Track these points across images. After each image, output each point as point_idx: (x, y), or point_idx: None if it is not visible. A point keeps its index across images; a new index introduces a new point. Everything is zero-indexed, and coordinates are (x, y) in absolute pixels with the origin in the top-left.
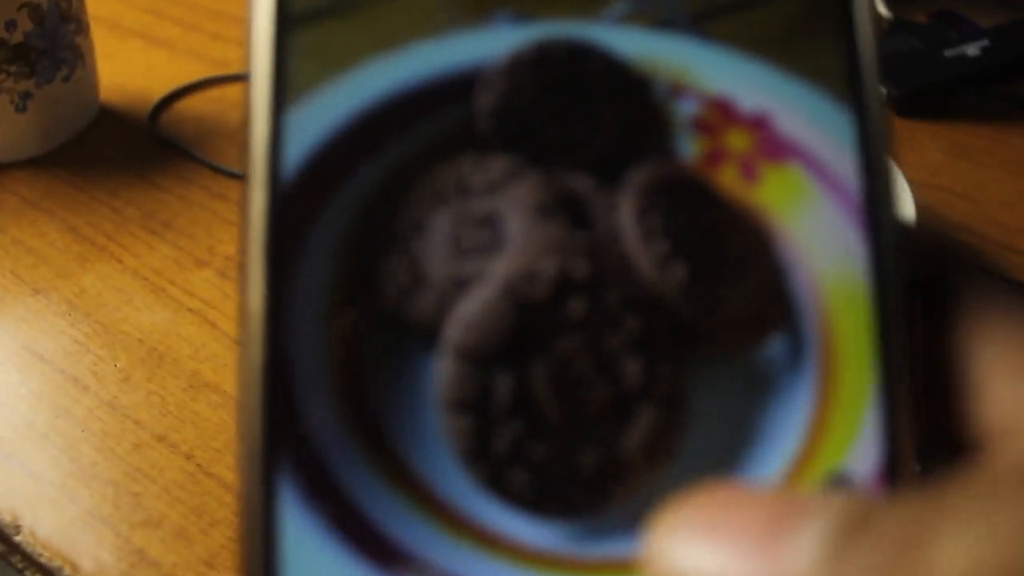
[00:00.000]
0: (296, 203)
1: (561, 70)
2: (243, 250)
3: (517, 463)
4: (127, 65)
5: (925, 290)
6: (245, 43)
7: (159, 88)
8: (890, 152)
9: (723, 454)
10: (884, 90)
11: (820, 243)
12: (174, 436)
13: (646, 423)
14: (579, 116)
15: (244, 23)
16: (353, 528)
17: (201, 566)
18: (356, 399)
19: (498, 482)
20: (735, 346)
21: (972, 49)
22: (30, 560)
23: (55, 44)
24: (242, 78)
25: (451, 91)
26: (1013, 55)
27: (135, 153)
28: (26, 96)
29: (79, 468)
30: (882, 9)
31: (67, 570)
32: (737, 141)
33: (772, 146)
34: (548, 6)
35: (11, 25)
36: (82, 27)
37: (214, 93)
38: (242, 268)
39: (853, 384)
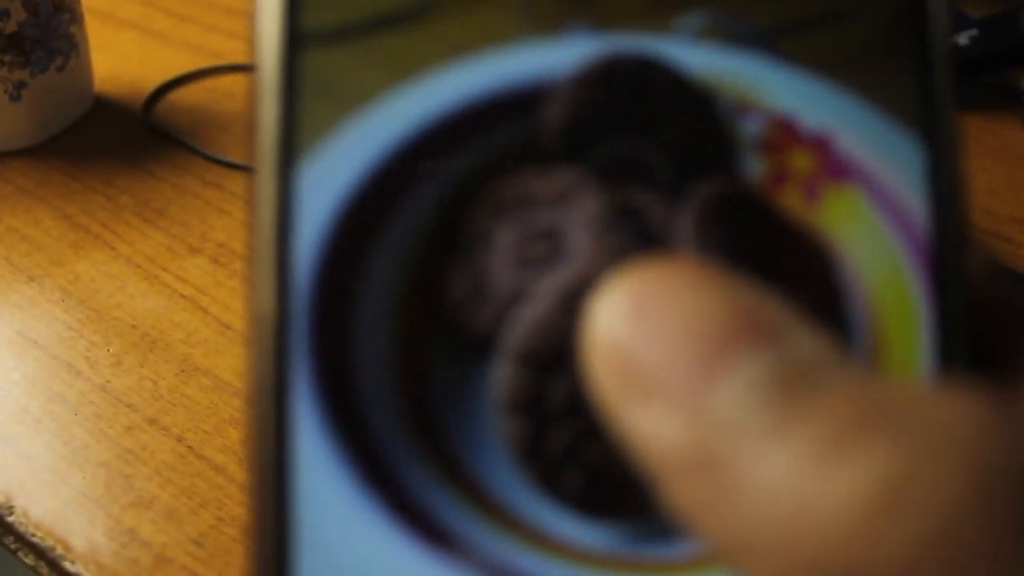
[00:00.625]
0: (354, 214)
1: (628, 85)
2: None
3: (571, 464)
4: (121, 55)
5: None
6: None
7: (153, 78)
8: (963, 178)
9: None
10: (960, 113)
11: (878, 269)
12: (165, 419)
13: None
14: (644, 131)
15: (239, 14)
16: (397, 509)
17: (191, 545)
18: (415, 397)
19: (552, 482)
20: None
21: (963, 39)
22: (23, 540)
23: (49, 34)
24: (238, 68)
25: (519, 103)
26: (1003, 45)
27: (129, 142)
28: (21, 86)
29: (72, 451)
30: None
31: (59, 549)
32: (800, 161)
33: (834, 167)
34: (622, 18)
35: (5, 14)
36: (76, 17)
37: (208, 83)
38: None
39: None
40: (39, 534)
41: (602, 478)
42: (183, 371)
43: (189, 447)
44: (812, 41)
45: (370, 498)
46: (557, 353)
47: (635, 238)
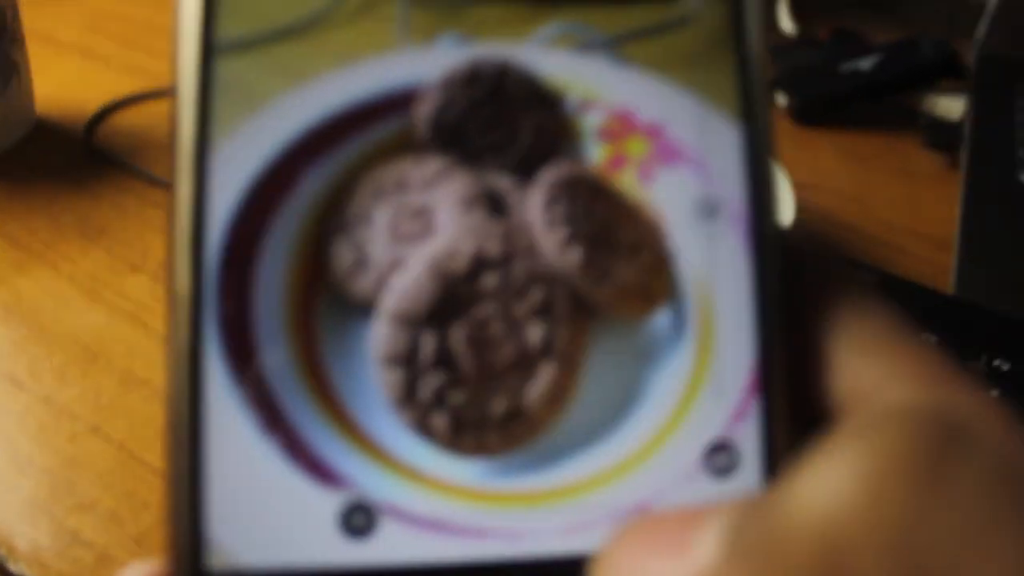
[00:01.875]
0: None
1: (488, 85)
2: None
3: (439, 409)
4: (63, 79)
5: (792, 277)
6: (171, 65)
7: (95, 101)
8: (773, 159)
9: (609, 409)
10: (773, 105)
11: (704, 238)
12: (107, 427)
13: (546, 378)
14: (501, 124)
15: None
16: (294, 451)
17: (132, 545)
18: (308, 354)
19: (423, 425)
20: (624, 316)
21: (865, 63)
22: None
23: None
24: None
25: (396, 102)
26: (902, 69)
27: (71, 164)
28: None
29: (16, 459)
30: (788, 26)
31: (3, 551)
32: (636, 148)
33: (665, 152)
34: (486, 29)
35: None
36: (18, 41)
37: (148, 106)
38: (169, 260)
39: (728, 358)
40: None
41: (466, 421)
42: (124, 382)
43: (130, 453)
44: (648, 46)
45: (270, 442)
46: (426, 313)
47: (492, 215)
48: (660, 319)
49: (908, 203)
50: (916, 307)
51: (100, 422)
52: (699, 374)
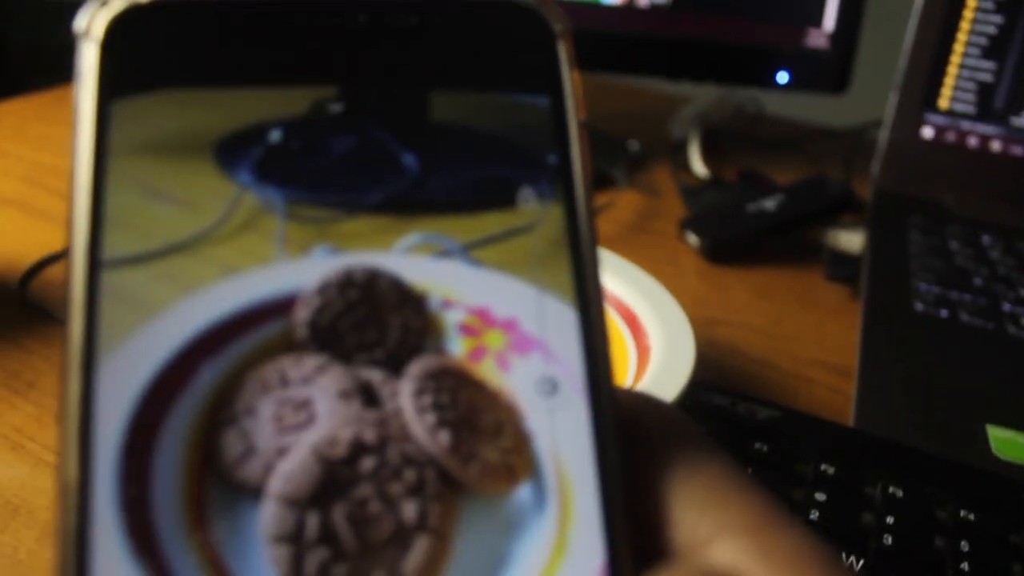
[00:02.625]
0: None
1: (359, 290)
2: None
3: None
4: (3, 233)
5: (631, 440)
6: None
7: (31, 254)
8: (605, 339)
9: None
10: (602, 292)
11: (556, 415)
12: None
13: (421, 550)
14: (372, 324)
15: None
16: None
17: None
18: (202, 537)
19: None
20: (491, 492)
21: (771, 203)
22: None
23: None
24: None
25: (276, 307)
26: (804, 207)
27: (3, 316)
28: None
29: None
30: (700, 169)
31: None
32: (493, 340)
33: (519, 342)
34: (354, 240)
35: None
36: None
37: None
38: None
39: (586, 524)
40: None
41: None
42: (44, 535)
43: None
44: (498, 250)
45: None
46: (310, 495)
47: (366, 405)
48: (523, 493)
49: (813, 334)
50: (817, 440)
51: None
52: (561, 542)
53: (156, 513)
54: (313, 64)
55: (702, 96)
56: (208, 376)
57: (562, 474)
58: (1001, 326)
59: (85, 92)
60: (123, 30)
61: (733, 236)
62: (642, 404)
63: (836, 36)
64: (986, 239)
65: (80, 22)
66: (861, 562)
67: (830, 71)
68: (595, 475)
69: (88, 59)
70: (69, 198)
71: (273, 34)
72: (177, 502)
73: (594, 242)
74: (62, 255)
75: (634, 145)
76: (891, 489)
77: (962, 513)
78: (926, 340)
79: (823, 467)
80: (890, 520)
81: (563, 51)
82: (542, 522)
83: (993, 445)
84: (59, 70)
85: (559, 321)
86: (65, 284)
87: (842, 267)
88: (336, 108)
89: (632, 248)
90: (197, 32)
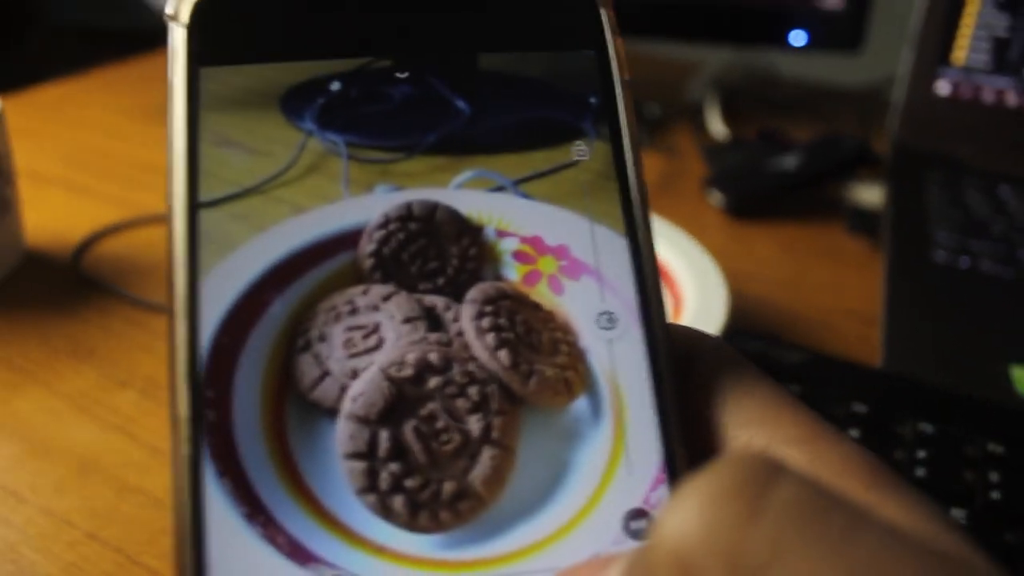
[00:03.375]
0: (234, 323)
1: (420, 223)
2: (171, 366)
3: (397, 493)
4: (49, 211)
5: (685, 363)
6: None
7: (80, 231)
8: (654, 269)
9: (540, 486)
10: (652, 222)
11: (609, 333)
12: (104, 534)
13: (487, 462)
14: (433, 254)
15: (152, 170)
16: (281, 539)
17: None
18: (282, 453)
19: (384, 508)
20: (549, 405)
21: (790, 160)
22: None
23: None
24: (154, 220)
25: (344, 242)
26: (823, 163)
27: (60, 290)
28: None
29: (20, 568)
30: (719, 131)
31: None
32: (546, 265)
33: (570, 267)
34: (413, 179)
35: None
36: (9, 180)
37: (129, 234)
38: (171, 381)
39: (640, 436)
40: None
41: (421, 502)
42: (118, 491)
43: (128, 556)
44: (547, 184)
45: (254, 530)
46: (381, 414)
47: (429, 330)
48: (580, 405)
49: (836, 285)
50: (847, 382)
51: (97, 529)
52: (617, 452)
53: (239, 434)
54: (373, 31)
55: (718, 60)
56: (283, 307)
57: (616, 390)
58: (1020, 272)
59: (176, 66)
60: (204, 13)
61: (756, 192)
62: (694, 335)
63: None
64: (1003, 190)
65: (169, 8)
66: None
67: (845, 30)
68: (648, 386)
69: (177, 39)
70: (168, 153)
71: (334, 4)
72: (259, 425)
73: (641, 177)
74: (109, 230)
75: (654, 109)
76: (920, 426)
77: (989, 447)
78: (948, 288)
79: (855, 407)
80: (921, 455)
81: (606, 16)
82: (599, 432)
83: (1016, 384)
84: (86, 54)
85: (608, 247)
86: (168, 230)
87: (862, 221)
88: (392, 62)
89: (657, 207)
90: (267, 9)
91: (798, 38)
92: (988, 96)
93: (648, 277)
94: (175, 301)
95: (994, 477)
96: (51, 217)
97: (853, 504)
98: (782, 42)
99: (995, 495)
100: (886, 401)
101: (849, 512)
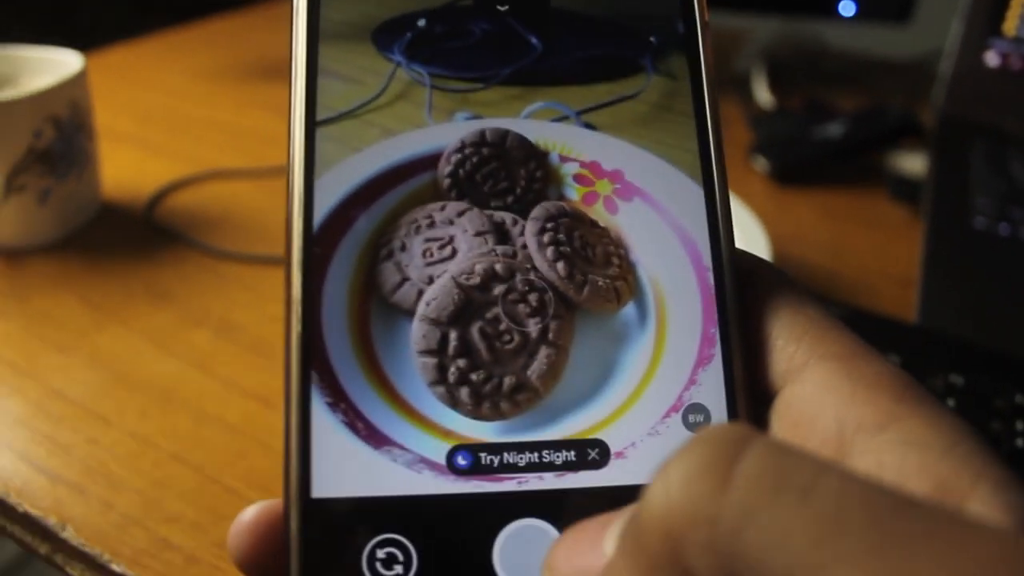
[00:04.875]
0: (327, 232)
1: (493, 147)
2: (288, 258)
3: (463, 385)
4: (124, 165)
5: (745, 279)
6: (287, 137)
7: (151, 184)
8: (725, 196)
9: (593, 380)
10: (723, 157)
11: (657, 249)
12: (186, 455)
13: (543, 360)
14: (503, 176)
15: (218, 126)
16: (361, 425)
17: (215, 549)
18: (366, 348)
19: (452, 398)
20: (601, 311)
21: (836, 129)
22: (74, 551)
23: (71, 149)
24: (219, 175)
25: (426, 162)
26: (868, 133)
27: (135, 238)
28: (47, 192)
29: (110, 482)
30: (766, 99)
31: (106, 556)
32: (603, 187)
33: (624, 190)
34: (488, 108)
35: (39, 134)
36: (91, 134)
37: (197, 188)
38: (288, 272)
39: (681, 341)
40: (89, 544)
41: (484, 393)
42: (197, 419)
43: (208, 476)
44: (608, 114)
45: (336, 417)
46: (452, 316)
47: (497, 243)
48: (628, 311)
49: (877, 250)
50: (883, 335)
51: (179, 451)
52: (658, 353)
53: (328, 334)
54: None
55: (766, 29)
56: (371, 219)
57: (661, 299)
58: None
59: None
60: None
61: (801, 159)
62: (755, 259)
63: None
64: None
65: None
66: None
67: (894, 1)
68: (697, 304)
69: None
70: (290, 76)
71: None
72: (345, 324)
73: (716, 106)
74: (179, 184)
75: None
76: (951, 378)
77: (1017, 399)
78: (986, 253)
79: (889, 357)
80: (951, 404)
81: None
82: (643, 336)
83: None
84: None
85: (667, 177)
86: (288, 144)
87: (905, 189)
88: (471, 1)
89: None
90: None
91: (847, 8)
92: None
93: (718, 199)
94: (292, 200)
95: (1020, 426)
96: (123, 172)
97: (818, 458)
98: (831, 12)
99: (1021, 443)
100: (919, 353)
101: (813, 465)
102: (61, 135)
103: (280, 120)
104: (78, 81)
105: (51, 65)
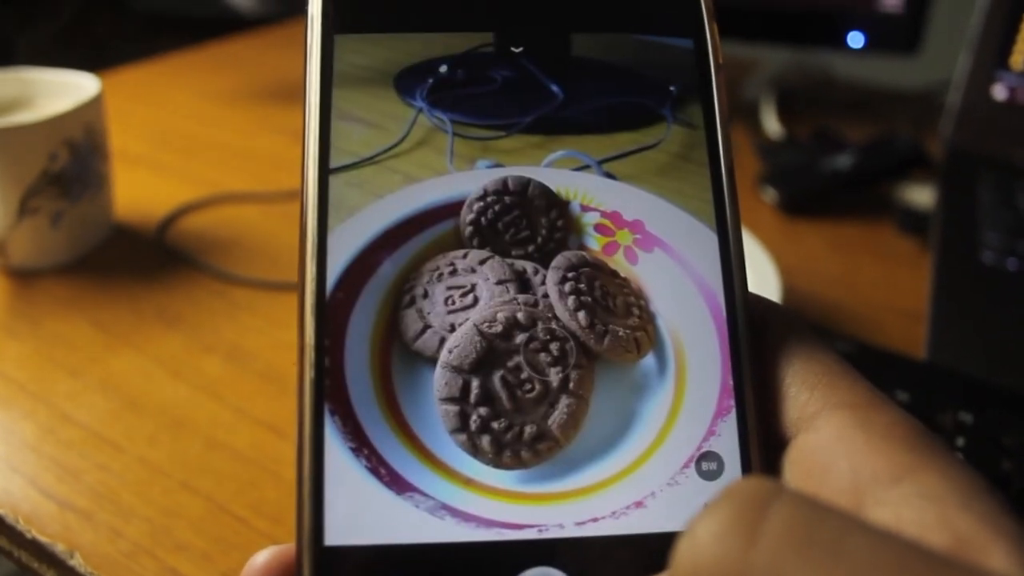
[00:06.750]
0: (350, 276)
1: (515, 196)
2: (301, 303)
3: (484, 433)
4: (136, 186)
5: (758, 330)
6: (300, 180)
7: (164, 206)
8: (739, 242)
9: (612, 430)
10: (736, 204)
11: (676, 300)
12: (195, 483)
13: (564, 409)
14: (525, 224)
15: (231, 151)
16: (383, 470)
17: None
18: (387, 395)
19: (473, 446)
20: (621, 361)
21: (843, 160)
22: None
23: (84, 171)
24: (232, 199)
25: (448, 210)
26: (877, 164)
27: (146, 261)
28: (59, 215)
29: (119, 509)
30: (774, 129)
31: None
32: (623, 238)
33: (644, 241)
34: (509, 156)
35: (54, 157)
36: (105, 157)
37: (210, 211)
38: (300, 318)
39: (700, 392)
40: (97, 573)
41: (505, 442)
42: (207, 446)
43: (217, 504)
44: (628, 164)
45: (360, 462)
46: (474, 364)
47: (518, 291)
48: (647, 362)
49: (885, 283)
50: (892, 372)
51: (189, 479)
52: (678, 403)
53: (350, 380)
54: (483, 11)
55: (775, 59)
56: (393, 266)
57: (680, 350)
58: None
59: (313, 32)
60: None
61: (809, 190)
62: (770, 304)
63: None
64: None
65: None
66: None
67: (903, 32)
68: (716, 355)
69: (315, 5)
70: (304, 121)
71: None
72: (367, 371)
73: (729, 156)
74: (192, 207)
75: None
76: (961, 416)
77: None
78: (995, 288)
79: (898, 395)
80: (960, 443)
81: (705, 1)
82: (663, 387)
83: None
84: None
85: (686, 227)
86: (301, 192)
87: (913, 220)
88: (493, 48)
89: None
90: None
91: (856, 40)
92: None
93: (732, 250)
94: (306, 247)
95: None
96: (136, 194)
97: (843, 513)
98: (840, 43)
99: None
100: (928, 391)
101: (839, 521)
102: (75, 158)
103: (294, 144)
104: (94, 105)
105: (68, 88)
